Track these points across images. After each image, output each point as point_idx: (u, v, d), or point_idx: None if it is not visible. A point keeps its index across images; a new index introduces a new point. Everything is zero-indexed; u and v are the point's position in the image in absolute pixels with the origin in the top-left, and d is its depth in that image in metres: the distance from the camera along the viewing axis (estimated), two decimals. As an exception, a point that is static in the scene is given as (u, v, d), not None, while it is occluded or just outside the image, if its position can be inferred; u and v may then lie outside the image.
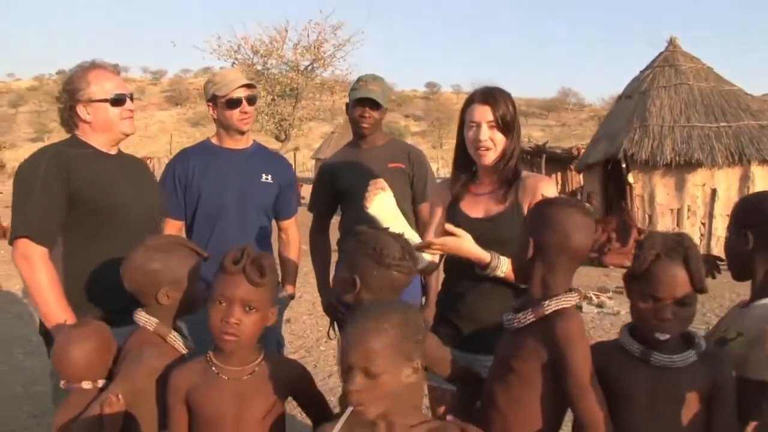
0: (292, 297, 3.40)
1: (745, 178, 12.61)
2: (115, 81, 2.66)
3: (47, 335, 2.42)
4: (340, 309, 3.21)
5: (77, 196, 2.48)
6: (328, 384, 5.08)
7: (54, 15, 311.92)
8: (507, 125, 2.43)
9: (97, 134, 2.64)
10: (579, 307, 8.14)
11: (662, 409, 1.79)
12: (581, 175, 17.75)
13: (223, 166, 3.18)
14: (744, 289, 2.12)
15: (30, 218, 2.42)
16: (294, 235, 3.48)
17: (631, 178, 13.01)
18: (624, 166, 12.94)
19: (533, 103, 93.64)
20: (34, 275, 2.37)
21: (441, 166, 40.51)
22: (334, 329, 3.41)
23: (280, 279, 3.24)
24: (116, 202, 2.55)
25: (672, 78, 13.76)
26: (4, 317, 7.27)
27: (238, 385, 1.82)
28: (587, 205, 12.86)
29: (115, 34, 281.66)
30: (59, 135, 2.86)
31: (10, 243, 2.44)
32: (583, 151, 17.68)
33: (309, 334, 6.83)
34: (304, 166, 41.22)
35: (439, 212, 2.65)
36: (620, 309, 7.90)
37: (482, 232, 2.41)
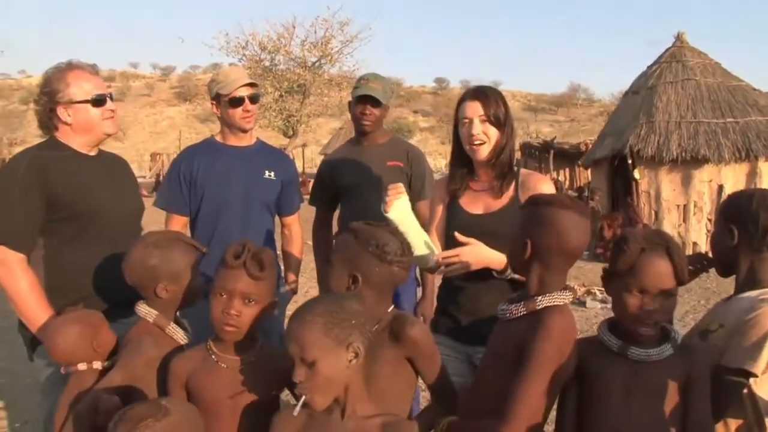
0: (294, 292, 3.45)
1: (752, 174, 12.54)
2: (94, 81, 2.63)
3: (32, 339, 2.48)
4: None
5: (55, 201, 2.48)
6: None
7: (63, 12, 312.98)
8: (498, 120, 2.51)
9: (78, 135, 2.63)
10: (583, 303, 8.19)
11: (639, 402, 1.85)
12: (589, 171, 17.72)
13: (227, 164, 3.24)
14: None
15: (7, 225, 2.43)
16: (297, 230, 3.54)
17: (637, 174, 12.97)
18: (630, 162, 12.91)
19: (542, 99, 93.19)
20: (14, 281, 2.41)
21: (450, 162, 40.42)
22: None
23: (282, 274, 3.32)
24: (94, 206, 2.56)
25: (679, 73, 13.67)
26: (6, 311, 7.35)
27: (236, 374, 1.89)
28: (590, 201, 12.90)
29: (124, 31, 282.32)
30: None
31: None
32: (591, 146, 17.63)
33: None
34: (313, 162, 41.25)
35: (439, 210, 2.71)
36: (624, 304, 7.91)
37: (482, 227, 2.49)
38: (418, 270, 3.52)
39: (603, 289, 8.79)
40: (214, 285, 1.91)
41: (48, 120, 2.62)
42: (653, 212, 13.13)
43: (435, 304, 2.92)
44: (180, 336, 2.11)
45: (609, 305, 7.91)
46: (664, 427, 1.83)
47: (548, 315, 1.82)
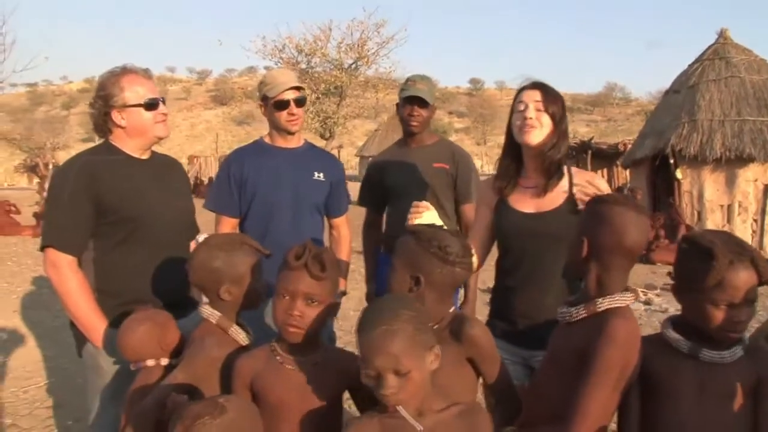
0: (343, 293, 3.42)
1: (798, 173, 12.28)
2: (147, 85, 2.67)
3: (79, 337, 2.57)
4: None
5: (104, 206, 2.53)
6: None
7: (103, 18, 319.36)
8: (554, 114, 2.46)
9: (132, 139, 2.67)
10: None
11: (710, 404, 1.81)
12: (627, 171, 17.46)
13: (277, 165, 3.25)
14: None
15: (57, 228, 2.51)
16: (345, 232, 3.54)
17: (679, 174, 12.76)
18: (672, 161, 12.70)
19: (579, 99, 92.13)
20: (63, 282, 2.49)
21: (485, 163, 40.30)
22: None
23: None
24: (143, 210, 2.60)
25: (722, 71, 13.38)
26: (56, 311, 7.51)
27: (301, 375, 1.90)
28: (634, 201, 12.73)
29: (161, 36, 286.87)
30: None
31: (41, 250, 2.53)
32: (629, 146, 17.37)
33: (356, 329, 6.90)
34: (348, 163, 41.48)
35: (483, 212, 2.68)
36: (668, 306, 7.80)
37: (534, 228, 2.46)
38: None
39: (646, 290, 8.68)
40: (277, 286, 1.91)
41: (103, 123, 2.66)
42: (696, 212, 12.90)
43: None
44: (242, 337, 2.13)
45: (653, 307, 7.87)
46: (737, 429, 1.80)
47: (611, 320, 1.79)
